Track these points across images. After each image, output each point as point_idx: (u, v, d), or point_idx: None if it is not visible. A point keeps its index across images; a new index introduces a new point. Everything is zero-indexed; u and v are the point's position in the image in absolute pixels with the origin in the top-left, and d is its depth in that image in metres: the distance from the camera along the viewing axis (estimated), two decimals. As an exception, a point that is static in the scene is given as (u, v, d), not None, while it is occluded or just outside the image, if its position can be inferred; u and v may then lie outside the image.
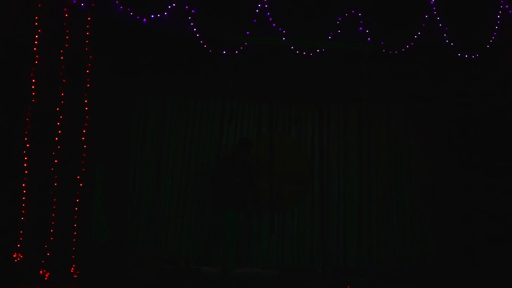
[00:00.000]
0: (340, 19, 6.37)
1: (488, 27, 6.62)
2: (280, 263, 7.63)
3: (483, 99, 7.00)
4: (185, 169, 7.76)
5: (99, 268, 5.98)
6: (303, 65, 6.64)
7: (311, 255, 7.71)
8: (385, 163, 7.98)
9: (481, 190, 6.96)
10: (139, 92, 7.56)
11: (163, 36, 6.24)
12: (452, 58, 6.67)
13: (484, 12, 6.65)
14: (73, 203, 5.60)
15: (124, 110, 7.08)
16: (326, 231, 7.61)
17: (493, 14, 6.62)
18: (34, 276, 5.36)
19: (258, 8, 6.16)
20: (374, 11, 6.49)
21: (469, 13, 6.61)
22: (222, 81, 6.52)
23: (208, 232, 7.65)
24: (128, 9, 5.83)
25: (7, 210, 5.45)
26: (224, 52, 6.26)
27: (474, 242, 6.99)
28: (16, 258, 5.37)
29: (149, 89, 7.62)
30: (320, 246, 7.52)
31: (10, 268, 5.35)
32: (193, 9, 6.05)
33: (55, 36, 5.65)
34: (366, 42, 6.44)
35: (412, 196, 7.93)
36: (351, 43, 6.52)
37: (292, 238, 7.73)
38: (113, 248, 6.46)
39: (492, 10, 6.64)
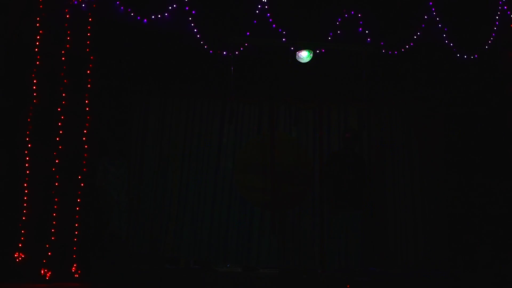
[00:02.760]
0: (340, 19, 6.38)
1: (487, 28, 6.64)
2: (281, 263, 7.63)
3: (482, 99, 7.02)
4: (185, 169, 7.77)
5: (100, 268, 6.00)
6: (303, 65, 6.65)
7: (312, 255, 7.72)
8: (385, 163, 7.99)
9: (480, 190, 6.98)
10: (139, 92, 7.57)
11: (164, 36, 6.25)
12: (452, 58, 6.69)
13: (483, 13, 6.67)
14: (74, 203, 5.62)
15: (124, 111, 7.10)
16: (326, 231, 7.62)
17: (492, 15, 6.65)
18: (35, 276, 5.39)
19: (258, 8, 6.17)
20: (374, 12, 6.50)
21: (468, 14, 6.63)
22: (222, 81, 6.53)
23: (209, 232, 7.66)
24: (129, 10, 5.85)
25: (9, 209, 5.49)
26: (225, 52, 6.27)
27: (474, 242, 7.01)
28: (17, 257, 5.40)
29: (149, 89, 7.63)
30: (320, 246, 7.54)
31: (12, 267, 5.38)
32: (194, 10, 6.06)
33: (56, 37, 5.69)
34: (365, 42, 6.45)
35: (412, 196, 7.94)
36: (351, 44, 6.54)
37: (293, 238, 7.74)
38: (114, 248, 6.48)
39: (491, 11, 6.66)
